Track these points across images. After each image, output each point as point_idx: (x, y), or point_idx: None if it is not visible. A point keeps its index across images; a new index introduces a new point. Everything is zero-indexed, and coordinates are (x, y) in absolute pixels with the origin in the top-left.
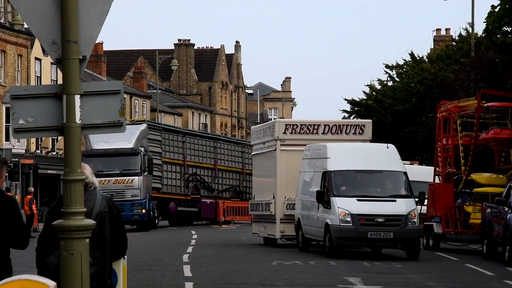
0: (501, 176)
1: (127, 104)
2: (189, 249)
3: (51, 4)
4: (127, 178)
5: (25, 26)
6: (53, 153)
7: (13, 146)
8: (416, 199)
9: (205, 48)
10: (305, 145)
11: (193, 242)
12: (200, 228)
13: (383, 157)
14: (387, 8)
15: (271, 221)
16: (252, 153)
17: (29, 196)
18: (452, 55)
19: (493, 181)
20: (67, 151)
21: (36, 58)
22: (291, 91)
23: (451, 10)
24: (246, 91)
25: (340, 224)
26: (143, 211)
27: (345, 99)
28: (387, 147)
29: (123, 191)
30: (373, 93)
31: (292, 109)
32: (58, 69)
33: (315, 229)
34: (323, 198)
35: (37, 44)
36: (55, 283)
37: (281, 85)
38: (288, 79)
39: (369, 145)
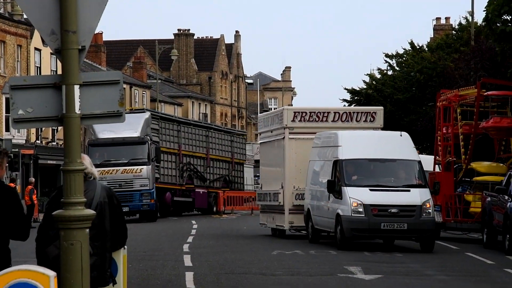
0: (501, 164)
1: (127, 94)
2: (190, 239)
3: None
4: (135, 167)
5: (25, 16)
6: (53, 143)
7: (13, 136)
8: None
9: (205, 38)
10: (315, 133)
11: (193, 232)
12: (201, 218)
13: (397, 145)
14: None
15: (280, 212)
16: (259, 141)
17: (29, 187)
18: (452, 44)
19: (493, 169)
20: (67, 141)
21: (35, 49)
22: (291, 81)
23: None
24: (246, 80)
25: (352, 214)
26: (152, 201)
27: (345, 89)
28: (401, 135)
29: (132, 181)
30: (373, 82)
31: (292, 99)
32: (58, 59)
33: (326, 220)
34: (334, 188)
35: (36, 34)
36: (55, 273)
37: (281, 74)
38: (288, 68)
39: (381, 133)
